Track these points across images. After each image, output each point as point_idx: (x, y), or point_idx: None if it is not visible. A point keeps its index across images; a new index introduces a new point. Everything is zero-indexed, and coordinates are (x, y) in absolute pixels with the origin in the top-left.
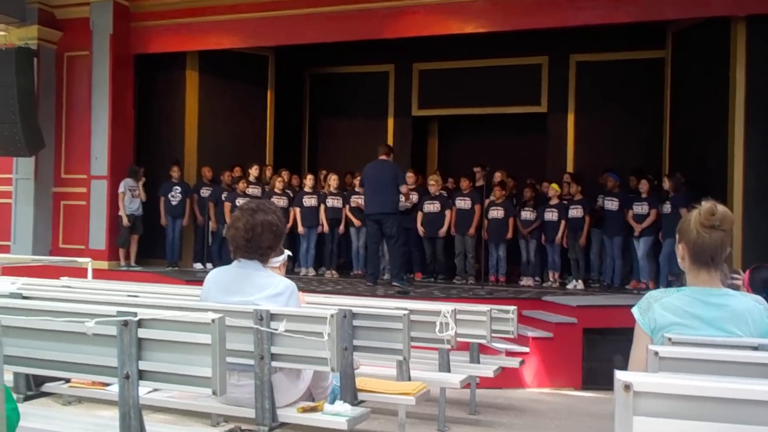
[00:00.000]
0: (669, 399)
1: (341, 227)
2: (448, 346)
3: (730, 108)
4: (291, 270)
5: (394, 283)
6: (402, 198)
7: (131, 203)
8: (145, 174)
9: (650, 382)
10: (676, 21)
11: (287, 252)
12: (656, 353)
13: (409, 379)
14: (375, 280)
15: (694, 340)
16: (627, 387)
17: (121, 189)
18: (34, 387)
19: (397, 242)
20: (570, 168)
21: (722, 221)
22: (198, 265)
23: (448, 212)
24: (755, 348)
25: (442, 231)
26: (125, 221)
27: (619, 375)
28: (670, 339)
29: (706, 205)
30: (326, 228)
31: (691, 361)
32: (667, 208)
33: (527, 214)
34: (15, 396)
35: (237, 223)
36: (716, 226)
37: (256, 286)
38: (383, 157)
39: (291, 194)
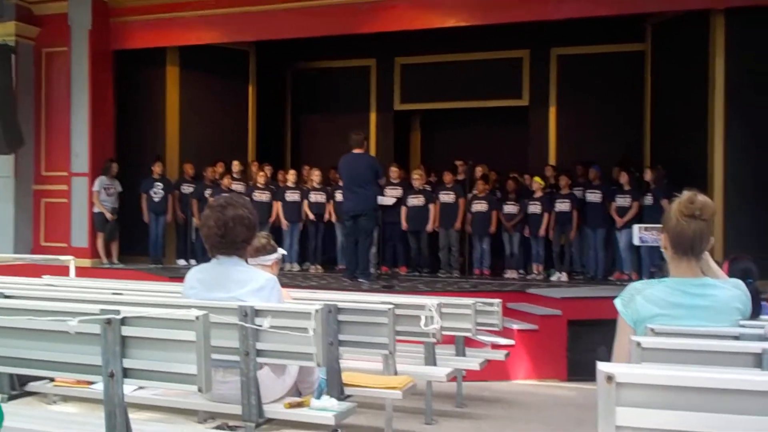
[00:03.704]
0: (651, 389)
1: (327, 215)
2: (434, 340)
3: (709, 100)
4: None
5: (360, 279)
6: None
7: (105, 202)
8: (119, 169)
9: (632, 373)
10: (656, 14)
11: (281, 250)
12: (639, 344)
13: (396, 373)
14: (353, 276)
15: (676, 330)
16: (609, 378)
17: (95, 188)
18: (18, 386)
19: (368, 237)
20: (552, 161)
21: (702, 210)
22: (181, 262)
23: (432, 206)
24: (736, 338)
25: (429, 227)
26: (108, 216)
27: (602, 366)
28: (652, 330)
29: (686, 194)
30: (312, 216)
31: (673, 351)
32: (648, 199)
33: (510, 208)
34: None
35: (208, 221)
36: (696, 215)
37: (238, 282)
38: (358, 150)
39: (274, 189)
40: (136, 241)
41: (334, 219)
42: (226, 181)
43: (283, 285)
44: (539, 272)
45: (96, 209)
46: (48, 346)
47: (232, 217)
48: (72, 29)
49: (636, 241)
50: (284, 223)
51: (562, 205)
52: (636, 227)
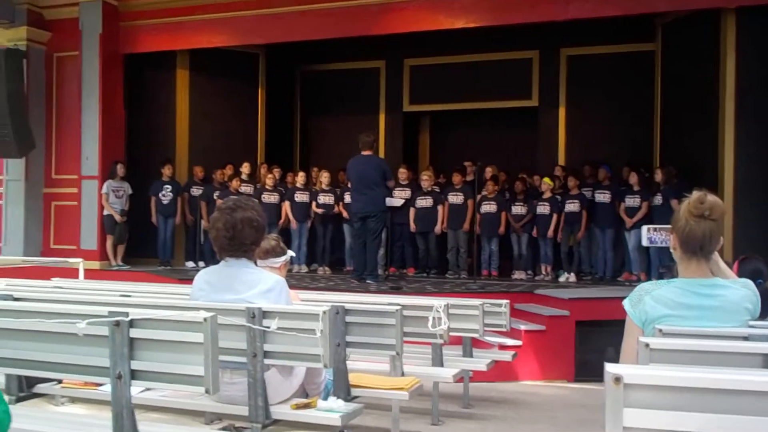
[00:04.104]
0: (658, 390)
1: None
2: (441, 341)
3: (720, 99)
4: None
5: (368, 280)
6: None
7: (114, 204)
8: (126, 169)
9: (640, 374)
10: (666, 13)
11: (290, 252)
12: (647, 345)
13: (403, 374)
14: (361, 277)
15: (685, 331)
16: (617, 379)
17: (103, 190)
18: (26, 388)
19: (376, 238)
20: (561, 161)
21: (712, 211)
22: (190, 264)
23: (440, 208)
24: (745, 338)
25: (438, 228)
26: (118, 218)
27: (609, 368)
28: (660, 330)
29: (696, 194)
30: (320, 211)
31: (681, 352)
32: (658, 200)
33: (518, 209)
34: (6, 398)
35: (217, 223)
36: (705, 215)
37: (246, 284)
38: (367, 152)
39: (283, 190)
40: (145, 243)
41: (345, 214)
42: (234, 183)
43: (291, 286)
44: (547, 273)
45: (105, 212)
46: (56, 348)
47: (241, 219)
48: (83, 33)
49: (645, 242)
50: (293, 222)
51: (571, 206)
52: (645, 228)
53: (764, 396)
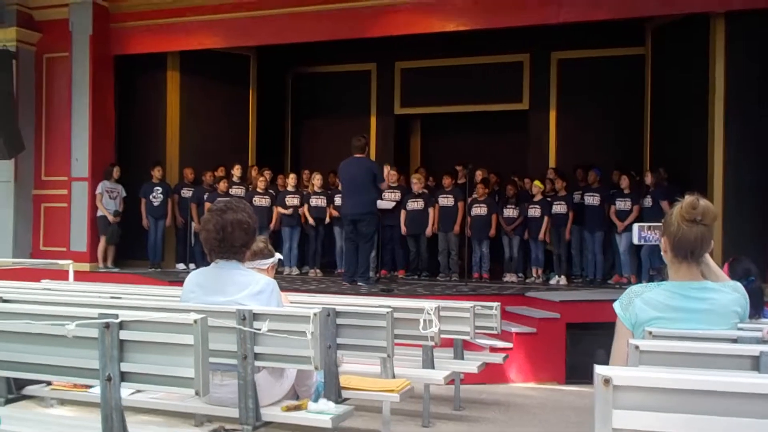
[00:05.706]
0: (648, 392)
1: (328, 218)
2: (432, 343)
3: (709, 103)
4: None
5: (360, 283)
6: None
7: (108, 205)
8: (120, 171)
9: (629, 375)
10: (656, 17)
11: (278, 255)
12: (637, 347)
13: (393, 376)
14: (352, 279)
15: (674, 333)
16: (607, 381)
17: (98, 190)
18: (15, 390)
19: (368, 241)
20: (552, 164)
21: (704, 215)
22: (181, 266)
23: (431, 210)
24: (734, 341)
25: (429, 231)
26: (111, 218)
27: (599, 369)
28: (650, 333)
29: (688, 198)
30: (311, 221)
31: (671, 354)
32: (647, 201)
33: (509, 212)
34: None
35: (207, 225)
36: (697, 220)
37: (237, 285)
38: (359, 155)
39: (274, 194)
40: (135, 245)
41: (335, 213)
42: (221, 185)
43: (282, 289)
44: (538, 275)
45: (99, 212)
46: (46, 350)
47: (231, 222)
48: (73, 35)
49: (636, 240)
50: (287, 211)
51: (558, 207)
52: (636, 226)
53: (752, 398)
